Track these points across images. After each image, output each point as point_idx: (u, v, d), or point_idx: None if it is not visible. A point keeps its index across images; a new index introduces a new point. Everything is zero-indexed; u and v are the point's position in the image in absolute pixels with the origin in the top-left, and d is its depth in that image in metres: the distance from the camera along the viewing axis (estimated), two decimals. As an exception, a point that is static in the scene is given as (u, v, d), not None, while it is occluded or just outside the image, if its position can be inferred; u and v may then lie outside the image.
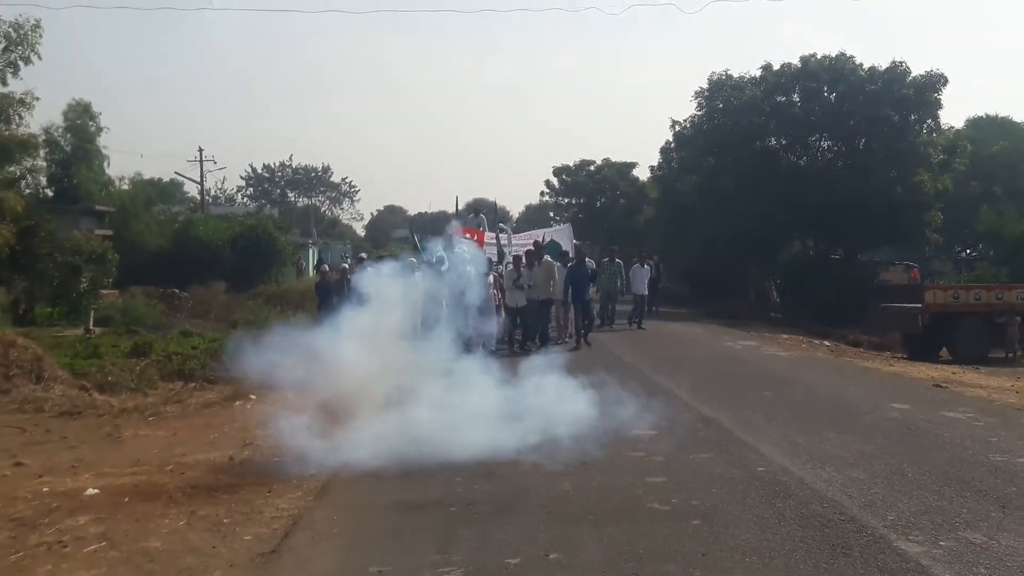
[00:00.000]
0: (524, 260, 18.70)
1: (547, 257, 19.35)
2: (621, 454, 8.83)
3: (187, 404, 13.57)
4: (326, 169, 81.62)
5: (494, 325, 17.32)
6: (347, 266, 19.94)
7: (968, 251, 44.12)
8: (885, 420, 10.87)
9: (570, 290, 19.01)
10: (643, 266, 24.58)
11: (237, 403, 13.39)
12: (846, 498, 7.14)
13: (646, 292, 24.39)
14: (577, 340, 19.13)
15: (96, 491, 8.39)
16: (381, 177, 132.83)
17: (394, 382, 11.78)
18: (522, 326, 18.80)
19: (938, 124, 33.47)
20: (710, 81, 35.66)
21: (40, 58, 16.48)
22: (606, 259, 24.02)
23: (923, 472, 8.05)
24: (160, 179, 52.96)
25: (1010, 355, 21.34)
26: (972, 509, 6.87)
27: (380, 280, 17.60)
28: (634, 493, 7.41)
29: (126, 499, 8.06)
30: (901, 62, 32.99)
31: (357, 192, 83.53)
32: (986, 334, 21.79)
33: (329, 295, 18.64)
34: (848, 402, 12.38)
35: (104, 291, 29.28)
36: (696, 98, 36.12)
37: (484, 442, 9.02)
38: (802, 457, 8.55)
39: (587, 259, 20.63)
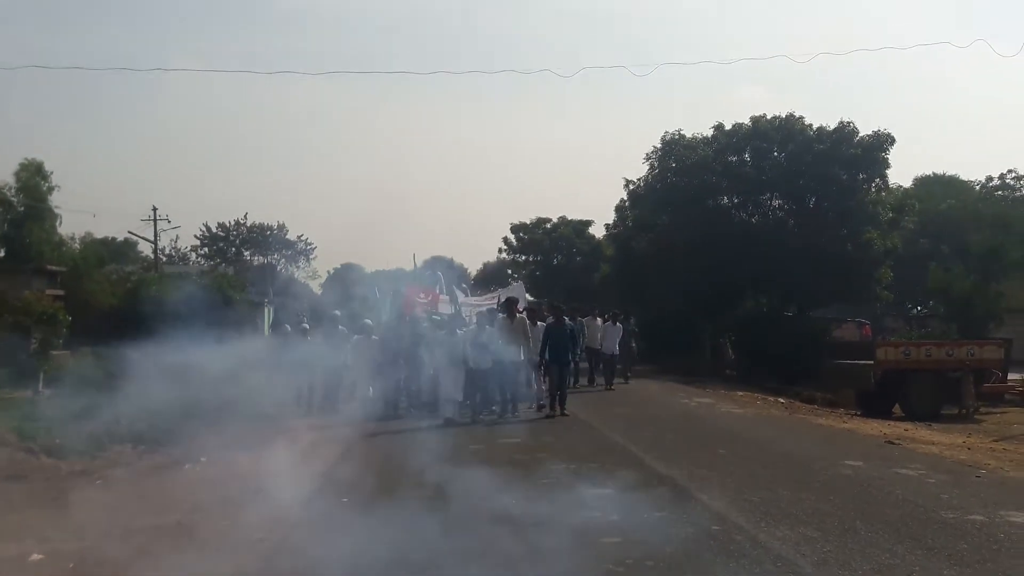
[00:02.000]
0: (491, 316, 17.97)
1: (520, 314, 18.22)
2: (575, 513, 8.75)
3: (136, 467, 13.35)
4: (281, 227, 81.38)
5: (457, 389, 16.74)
6: (307, 327, 19.63)
7: (919, 308, 44.81)
8: (838, 477, 10.92)
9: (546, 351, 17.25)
10: (615, 324, 23.76)
11: (187, 466, 13.19)
12: (800, 556, 7.13)
13: (617, 351, 23.55)
14: (552, 407, 17.20)
15: (41, 557, 8.20)
16: (337, 235, 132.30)
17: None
18: (481, 391, 17.12)
19: (886, 183, 33.98)
20: (663, 141, 35.93)
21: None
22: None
23: (876, 529, 8.07)
24: (113, 238, 52.69)
25: (963, 411, 21.47)
26: (924, 567, 6.88)
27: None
28: (588, 553, 7.34)
29: (71, 565, 7.88)
30: (849, 122, 33.55)
31: (313, 250, 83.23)
32: (938, 390, 21.89)
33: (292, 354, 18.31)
34: (802, 459, 12.42)
35: (55, 352, 28.88)
36: (648, 159, 36.43)
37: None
38: (756, 515, 8.55)
39: (566, 317, 18.75)
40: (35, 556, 8.25)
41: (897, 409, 21.52)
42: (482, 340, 16.83)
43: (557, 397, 17.21)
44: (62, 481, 12.57)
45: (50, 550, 8.43)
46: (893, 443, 14.31)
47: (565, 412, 16.95)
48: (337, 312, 19.23)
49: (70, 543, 8.73)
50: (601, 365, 23.37)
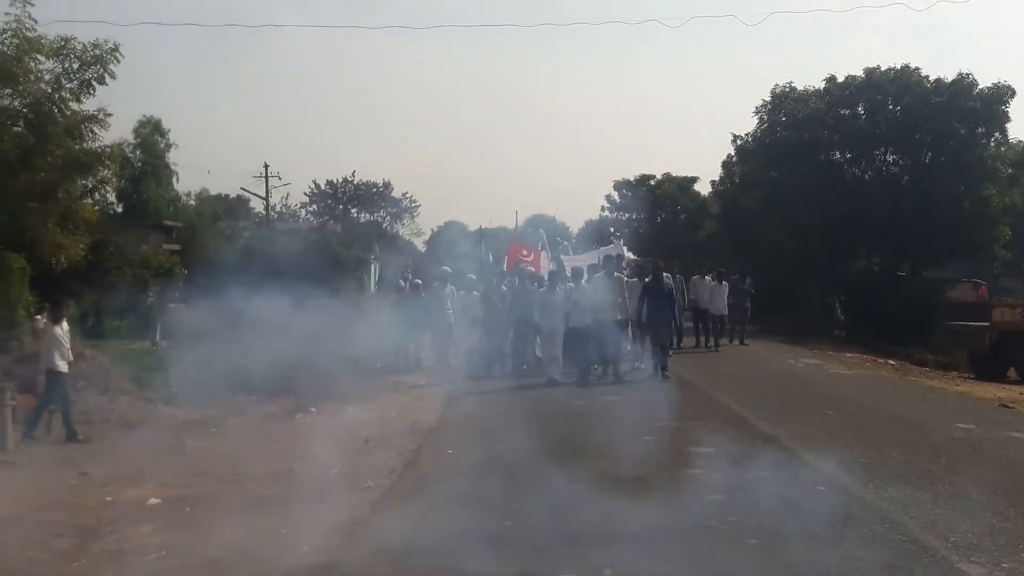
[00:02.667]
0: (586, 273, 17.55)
1: (618, 272, 17.34)
2: (679, 472, 8.76)
3: (249, 416, 13.78)
4: (387, 185, 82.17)
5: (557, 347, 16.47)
6: (419, 282, 19.81)
7: (1039, 268, 43.12)
8: (950, 440, 10.68)
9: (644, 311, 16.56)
10: (721, 283, 22.51)
11: (298, 416, 13.57)
12: (908, 519, 7.03)
13: (725, 312, 22.38)
14: (654, 368, 16.40)
15: (158, 501, 8.56)
16: (442, 193, 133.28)
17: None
18: (581, 349, 16.34)
19: (1006, 137, 32.68)
20: (773, 94, 35.20)
21: (115, 78, 16.78)
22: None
23: (987, 493, 7.89)
24: (227, 195, 53.77)
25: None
26: (1038, 532, 6.72)
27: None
28: (692, 511, 7.35)
29: (187, 509, 8.20)
30: (968, 74, 32.28)
31: (418, 207, 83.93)
32: (1055, 354, 21.22)
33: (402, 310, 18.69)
34: (912, 421, 12.16)
35: (171, 304, 29.83)
36: (758, 112, 35.70)
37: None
38: (864, 476, 8.43)
39: (665, 274, 17.83)
40: (153, 500, 8.61)
41: (1013, 373, 20.86)
42: (579, 298, 16.39)
43: (658, 357, 16.36)
44: (179, 429, 13.07)
45: (167, 495, 8.80)
46: (1007, 407, 13.91)
47: (667, 374, 16.03)
48: (447, 268, 19.28)
49: (186, 488, 9.10)
50: (710, 325, 22.43)
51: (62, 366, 12.71)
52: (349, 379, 17.00)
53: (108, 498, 8.84)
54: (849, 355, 22.93)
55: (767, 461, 9.16)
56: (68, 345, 12.95)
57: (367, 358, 18.98)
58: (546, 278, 17.75)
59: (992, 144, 32.16)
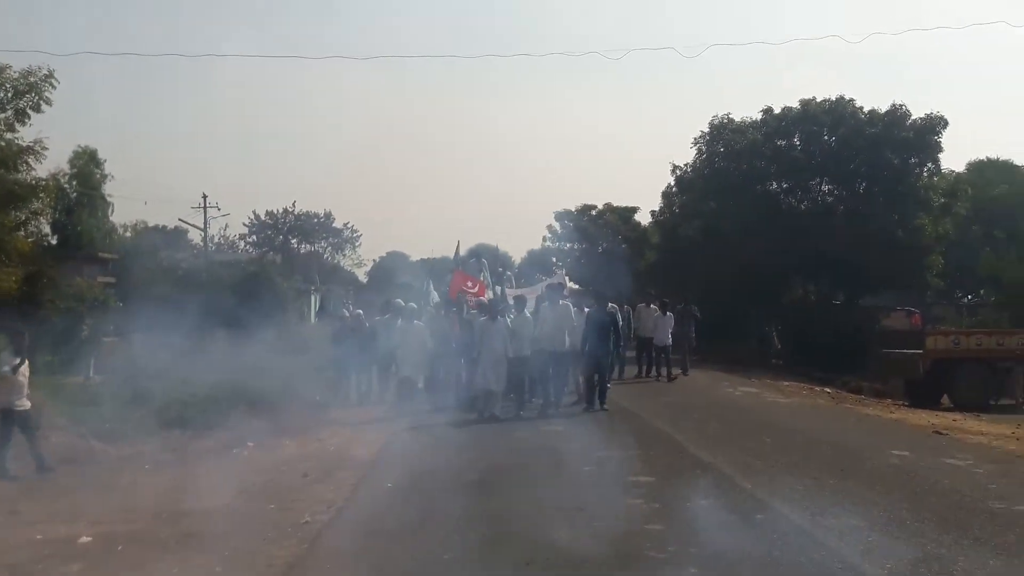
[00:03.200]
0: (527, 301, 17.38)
1: (563, 300, 17.02)
2: (619, 501, 8.78)
3: (185, 452, 13.56)
4: (328, 215, 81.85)
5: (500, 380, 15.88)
6: (360, 313, 19.54)
7: (969, 296, 44.04)
8: (885, 467, 10.83)
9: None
10: (665, 314, 22.30)
11: (235, 450, 13.38)
12: (845, 546, 7.10)
13: (669, 342, 22.07)
14: (590, 400, 16.14)
15: (90, 539, 8.37)
16: (383, 223, 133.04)
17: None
18: (520, 382, 16.21)
19: (939, 167, 33.43)
20: (711, 125, 35.78)
21: (50, 105, 16.57)
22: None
23: (922, 519, 8.00)
24: (164, 226, 53.19)
25: (1013, 403, 21.15)
26: (970, 557, 6.82)
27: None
28: (632, 541, 7.36)
29: (120, 547, 8.03)
30: (901, 105, 33.08)
31: (359, 238, 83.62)
32: (988, 381, 21.63)
33: (346, 343, 18.27)
34: (848, 449, 12.31)
35: (105, 338, 29.32)
36: (697, 143, 36.28)
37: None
38: (801, 504, 8.50)
39: (611, 304, 18.12)
40: (84, 538, 8.42)
41: (946, 399, 21.27)
42: (520, 328, 16.25)
43: (596, 389, 16.12)
44: (112, 465, 12.82)
45: (99, 532, 8.60)
46: (941, 433, 14.14)
47: (605, 407, 15.87)
48: (400, 301, 18.68)
49: (119, 526, 8.91)
50: (652, 355, 22.27)
51: (17, 403, 12.38)
52: (288, 412, 16.85)
53: (38, 536, 8.62)
54: (786, 383, 23.19)
55: (706, 489, 9.22)
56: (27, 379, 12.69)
57: (307, 390, 18.82)
58: (487, 306, 17.52)
59: (925, 174, 32.88)
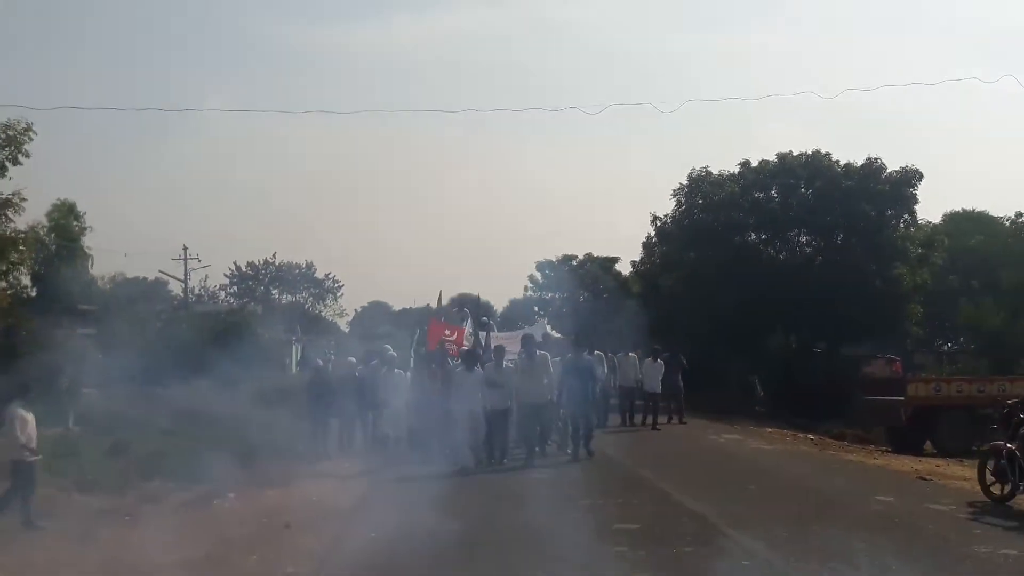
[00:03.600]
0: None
1: (539, 352, 16.17)
2: (604, 549, 8.73)
3: (165, 503, 13.42)
4: (309, 266, 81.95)
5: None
6: (353, 360, 18.82)
7: (949, 344, 44.30)
8: (869, 513, 10.82)
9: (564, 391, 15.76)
10: (656, 360, 22.18)
11: (215, 502, 13.24)
12: (830, 592, 7.08)
13: (658, 389, 21.85)
14: (575, 449, 15.80)
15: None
16: (365, 273, 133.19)
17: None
18: (499, 434, 15.42)
19: (915, 219, 33.81)
20: (690, 178, 36.04)
21: (28, 157, 16.55)
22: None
23: (907, 565, 7.99)
24: (144, 277, 53.01)
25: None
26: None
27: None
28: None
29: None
30: (876, 158, 33.54)
31: (340, 288, 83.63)
32: (969, 426, 21.74)
33: (324, 392, 17.53)
34: (832, 495, 12.32)
35: (85, 390, 29.13)
36: (676, 195, 36.55)
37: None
38: (785, 550, 8.49)
39: (597, 352, 18.33)
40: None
41: (928, 446, 21.31)
42: (499, 379, 15.33)
43: (581, 437, 15.82)
44: (92, 518, 12.66)
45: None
46: (924, 479, 14.17)
47: (591, 452, 15.71)
48: (388, 347, 18.32)
49: (97, 580, 8.81)
50: (635, 403, 21.96)
51: (28, 455, 12.31)
52: (270, 463, 16.70)
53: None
54: (769, 430, 23.19)
55: (692, 536, 9.19)
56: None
57: (288, 441, 18.67)
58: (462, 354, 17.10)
59: (902, 225, 33.28)
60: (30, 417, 12.57)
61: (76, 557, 9.82)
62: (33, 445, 12.51)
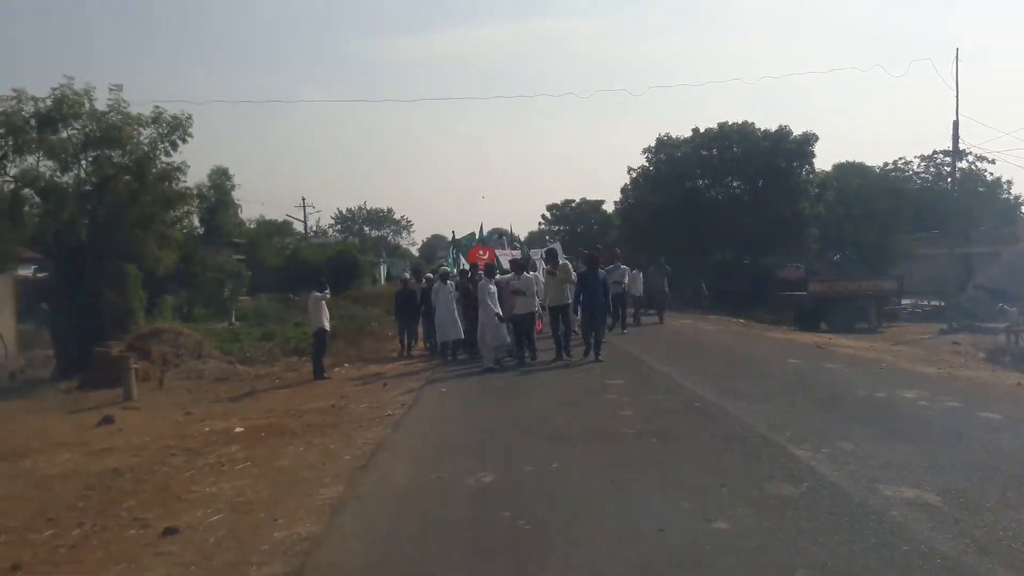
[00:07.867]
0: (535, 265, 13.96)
1: (563, 260, 13.32)
2: (600, 397, 8.88)
3: (301, 372, 13.71)
4: (390, 210, 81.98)
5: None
6: (430, 276, 15.80)
7: (838, 255, 43.74)
8: (783, 370, 10.88)
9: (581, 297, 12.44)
10: (635, 271, 18.73)
11: (336, 369, 13.52)
12: (756, 422, 7.16)
13: (641, 293, 18.84)
14: (586, 350, 12.33)
15: (242, 430, 8.53)
16: (427, 214, 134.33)
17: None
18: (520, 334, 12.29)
19: (813, 168, 33.41)
20: (656, 140, 35.75)
21: (192, 138, 16.66)
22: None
23: (809, 404, 8.07)
24: (276, 220, 53.08)
25: (868, 327, 21.36)
26: (843, 428, 6.88)
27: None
28: (610, 423, 7.46)
29: (263, 434, 8.18)
30: (785, 126, 33.08)
31: (412, 226, 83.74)
32: (852, 312, 21.79)
33: (408, 301, 15.43)
34: (756, 358, 12.37)
35: (241, 297, 29.63)
36: (645, 153, 36.21)
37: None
38: (725, 395, 8.57)
39: (623, 265, 16.49)
40: (238, 429, 8.58)
41: (824, 325, 21.31)
42: (519, 287, 12.17)
43: (592, 342, 12.22)
44: (252, 381, 12.98)
45: (248, 425, 8.77)
46: (821, 347, 14.18)
47: (600, 358, 11.93)
48: (446, 268, 16.19)
49: (261, 420, 9.07)
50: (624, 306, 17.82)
51: (327, 325, 12.98)
52: (369, 347, 16.95)
53: (206, 428, 8.80)
54: (712, 317, 23.19)
55: (660, 388, 9.31)
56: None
57: (380, 332, 18.89)
58: (508, 268, 14.40)
59: (804, 173, 32.85)
60: (323, 302, 12.97)
61: (243, 407, 10.13)
62: (325, 323, 12.90)
